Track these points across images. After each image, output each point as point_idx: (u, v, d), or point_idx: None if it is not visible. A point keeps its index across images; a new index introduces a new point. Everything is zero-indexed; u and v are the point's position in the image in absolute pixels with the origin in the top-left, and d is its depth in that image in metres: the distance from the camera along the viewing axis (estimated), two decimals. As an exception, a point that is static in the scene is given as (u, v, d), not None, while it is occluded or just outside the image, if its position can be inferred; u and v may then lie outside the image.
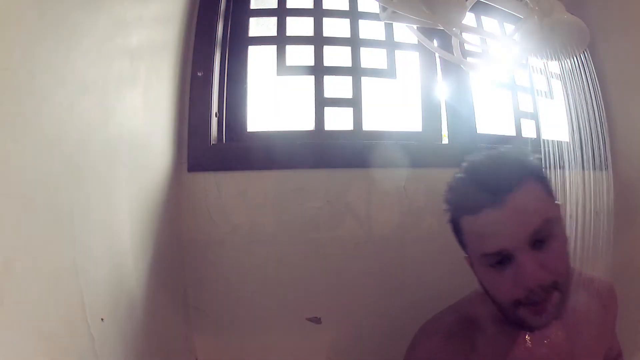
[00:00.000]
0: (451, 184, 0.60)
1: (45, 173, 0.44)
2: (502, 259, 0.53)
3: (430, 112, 1.01)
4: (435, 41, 0.99)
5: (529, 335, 0.60)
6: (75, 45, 0.49)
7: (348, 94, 0.99)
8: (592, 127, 0.73)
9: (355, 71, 1.00)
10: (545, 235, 0.53)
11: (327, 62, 0.99)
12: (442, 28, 0.62)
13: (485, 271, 0.57)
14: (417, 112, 1.01)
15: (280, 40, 0.99)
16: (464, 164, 0.59)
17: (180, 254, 0.83)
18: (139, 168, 0.68)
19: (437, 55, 1.01)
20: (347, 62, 1.00)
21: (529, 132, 1.06)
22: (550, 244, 0.53)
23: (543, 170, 0.58)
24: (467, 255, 0.61)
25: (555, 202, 0.58)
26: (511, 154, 0.58)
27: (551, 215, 0.54)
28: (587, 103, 0.71)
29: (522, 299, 0.53)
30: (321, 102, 0.97)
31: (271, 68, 0.98)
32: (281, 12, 1.02)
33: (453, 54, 0.73)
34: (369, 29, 1.04)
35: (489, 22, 1.10)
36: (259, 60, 0.99)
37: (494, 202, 0.53)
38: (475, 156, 0.59)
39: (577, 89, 0.68)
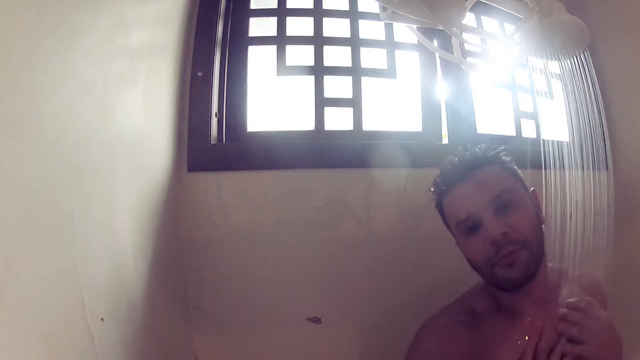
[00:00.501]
0: (434, 179, 0.72)
1: (45, 173, 0.44)
2: (473, 226, 0.64)
3: (430, 112, 1.01)
4: (435, 41, 0.99)
5: (527, 320, 0.64)
6: (75, 45, 0.49)
7: (348, 94, 0.99)
8: (592, 127, 0.73)
9: (355, 71, 1.00)
10: (507, 202, 0.63)
11: (327, 62, 0.99)
12: (442, 28, 0.62)
13: (463, 240, 0.67)
14: (417, 112, 1.01)
15: (280, 40, 0.99)
16: (442, 164, 0.71)
17: (180, 254, 0.83)
18: (139, 168, 0.68)
19: (437, 55, 1.01)
20: (347, 62, 1.00)
21: (529, 132, 1.06)
22: (514, 210, 0.63)
23: (505, 157, 0.69)
24: (453, 235, 0.70)
25: (518, 180, 0.67)
26: (476, 148, 0.70)
27: (511, 186, 0.65)
28: (587, 103, 0.71)
29: (493, 256, 0.61)
30: (321, 102, 0.97)
31: (271, 68, 0.98)
32: (281, 12, 1.02)
33: (453, 54, 0.73)
34: (369, 29, 1.04)
35: (489, 22, 1.10)
36: (259, 60, 0.99)
37: (461, 179, 0.66)
38: (450, 156, 0.71)
39: (577, 89, 0.68)
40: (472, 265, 0.67)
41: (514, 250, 0.61)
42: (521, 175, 0.69)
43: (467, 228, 0.65)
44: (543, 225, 0.67)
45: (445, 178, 0.69)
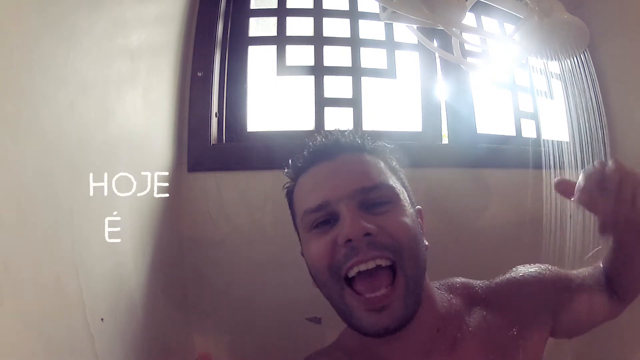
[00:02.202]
0: (292, 158, 0.56)
1: (45, 173, 0.44)
2: (325, 220, 0.48)
3: (430, 112, 1.01)
4: (435, 41, 0.99)
5: None
6: (75, 45, 0.49)
7: (348, 94, 0.99)
8: (592, 127, 0.73)
9: (355, 71, 1.00)
10: (381, 201, 0.48)
11: (327, 62, 0.99)
12: (442, 28, 0.62)
13: (305, 239, 0.50)
14: (417, 112, 1.01)
15: (280, 40, 0.99)
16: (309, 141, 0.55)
17: (180, 254, 0.83)
18: (139, 168, 0.68)
19: (437, 55, 1.01)
20: (347, 62, 1.00)
21: (529, 132, 1.06)
22: (388, 211, 0.47)
23: (395, 159, 0.56)
24: (298, 236, 0.55)
25: (404, 187, 0.53)
26: (357, 135, 0.54)
27: (392, 185, 0.50)
28: (587, 103, 0.71)
29: (341, 263, 0.44)
30: (321, 102, 0.97)
31: (271, 68, 0.98)
32: (281, 12, 1.02)
33: (453, 54, 0.73)
34: (369, 29, 1.04)
35: (489, 22, 1.10)
36: (259, 60, 0.99)
37: (326, 158, 0.51)
38: (321, 134, 0.56)
39: (577, 89, 0.68)
40: (314, 279, 0.51)
41: (385, 293, 0.44)
42: (408, 185, 0.56)
43: (316, 222, 0.48)
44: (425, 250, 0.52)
45: (305, 156, 0.53)
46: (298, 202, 0.52)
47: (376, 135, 0.58)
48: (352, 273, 0.45)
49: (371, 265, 0.44)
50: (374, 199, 0.48)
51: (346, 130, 0.55)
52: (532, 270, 0.58)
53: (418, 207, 0.55)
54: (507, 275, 0.59)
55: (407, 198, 0.52)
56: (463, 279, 0.60)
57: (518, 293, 0.55)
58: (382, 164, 0.53)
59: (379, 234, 0.45)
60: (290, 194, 0.55)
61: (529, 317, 0.53)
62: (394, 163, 0.56)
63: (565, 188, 0.48)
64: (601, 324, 0.58)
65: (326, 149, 0.52)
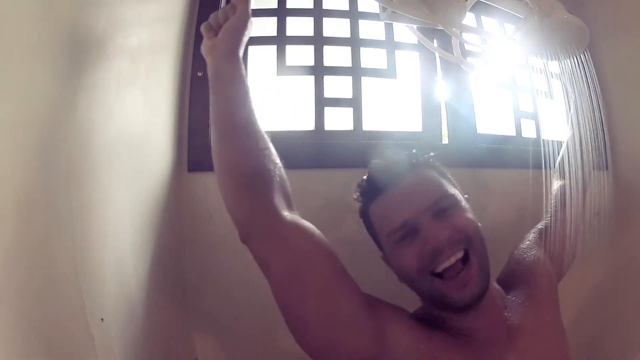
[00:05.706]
0: (359, 183, 0.66)
1: (45, 173, 0.44)
2: (408, 234, 0.58)
3: (430, 112, 1.01)
4: (435, 41, 0.99)
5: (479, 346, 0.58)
6: (76, 44, 0.49)
7: (348, 94, 0.99)
8: (592, 127, 0.73)
9: (355, 71, 1.00)
10: (446, 206, 0.59)
11: (327, 62, 0.99)
12: (442, 28, 0.62)
13: (394, 252, 0.60)
14: (417, 112, 1.01)
15: (280, 40, 0.99)
16: (369, 168, 0.65)
17: (180, 254, 0.83)
18: (139, 168, 0.68)
19: (437, 55, 1.01)
20: (347, 62, 1.00)
21: (529, 132, 1.06)
22: (453, 212, 0.59)
23: (437, 163, 0.65)
24: (380, 247, 0.65)
25: (453, 185, 0.64)
26: (405, 152, 0.65)
27: (448, 191, 0.61)
28: (587, 103, 0.71)
29: (429, 264, 0.56)
30: (321, 102, 0.97)
31: (271, 68, 0.98)
32: (281, 12, 1.02)
33: (453, 54, 0.73)
34: (369, 29, 1.04)
35: (489, 22, 1.10)
36: (259, 60, 0.99)
37: (394, 182, 0.61)
38: (377, 159, 0.66)
39: (577, 89, 0.68)
40: (404, 279, 0.62)
41: (466, 271, 0.56)
42: (454, 181, 0.66)
43: (401, 237, 0.58)
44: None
45: (374, 182, 0.63)
46: (380, 223, 0.62)
47: (430, 150, 0.68)
48: (439, 269, 0.56)
49: (453, 260, 0.56)
50: (442, 207, 0.58)
51: (399, 152, 0.65)
52: (531, 251, 0.71)
53: (465, 196, 0.65)
54: (514, 262, 0.71)
55: (461, 195, 0.63)
56: None
57: (531, 270, 0.68)
58: (437, 175, 0.63)
59: (454, 233, 0.56)
60: (364, 215, 0.65)
61: (545, 285, 0.67)
62: (442, 169, 0.65)
63: None
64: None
65: (391, 176, 0.61)
